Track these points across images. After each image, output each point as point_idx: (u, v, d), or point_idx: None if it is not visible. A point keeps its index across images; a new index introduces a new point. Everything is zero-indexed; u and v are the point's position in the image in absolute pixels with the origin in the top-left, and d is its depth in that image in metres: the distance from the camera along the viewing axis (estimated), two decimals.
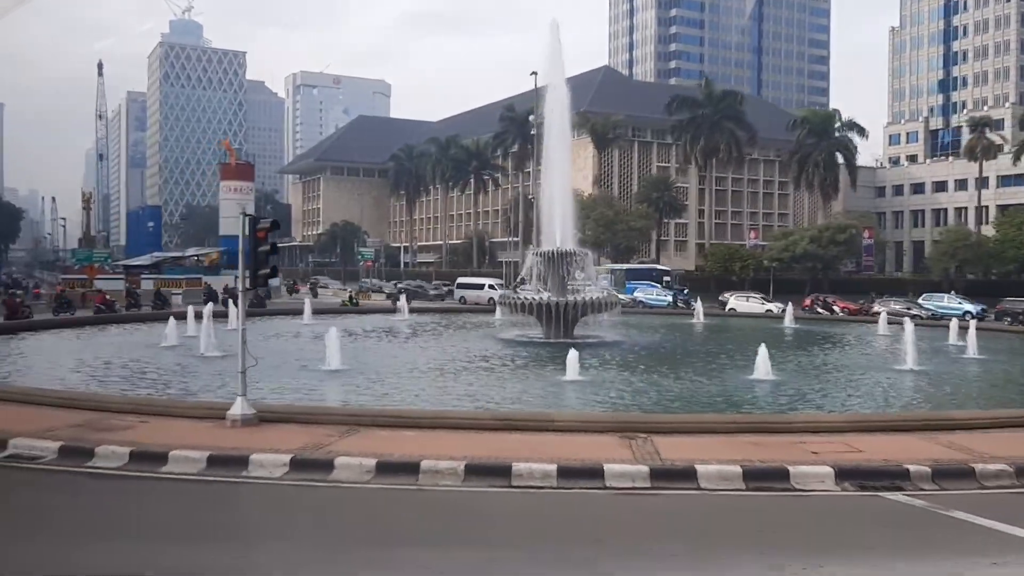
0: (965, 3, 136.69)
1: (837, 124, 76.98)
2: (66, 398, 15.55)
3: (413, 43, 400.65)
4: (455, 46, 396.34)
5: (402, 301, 45.48)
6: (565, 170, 36.22)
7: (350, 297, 53.42)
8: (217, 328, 33.19)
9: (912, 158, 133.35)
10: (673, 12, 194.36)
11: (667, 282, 62.92)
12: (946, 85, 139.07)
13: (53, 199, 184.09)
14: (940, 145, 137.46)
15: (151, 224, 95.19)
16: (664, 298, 56.82)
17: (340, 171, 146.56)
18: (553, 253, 34.77)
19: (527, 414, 15.54)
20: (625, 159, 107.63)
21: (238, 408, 14.21)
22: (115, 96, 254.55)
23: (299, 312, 43.16)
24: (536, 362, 26.23)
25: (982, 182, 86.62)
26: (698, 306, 46.32)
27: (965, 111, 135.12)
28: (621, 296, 56.61)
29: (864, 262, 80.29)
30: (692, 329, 41.43)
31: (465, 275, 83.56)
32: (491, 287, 52.55)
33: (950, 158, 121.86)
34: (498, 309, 36.95)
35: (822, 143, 76.05)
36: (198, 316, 31.42)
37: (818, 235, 69.67)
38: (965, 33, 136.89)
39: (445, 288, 63.41)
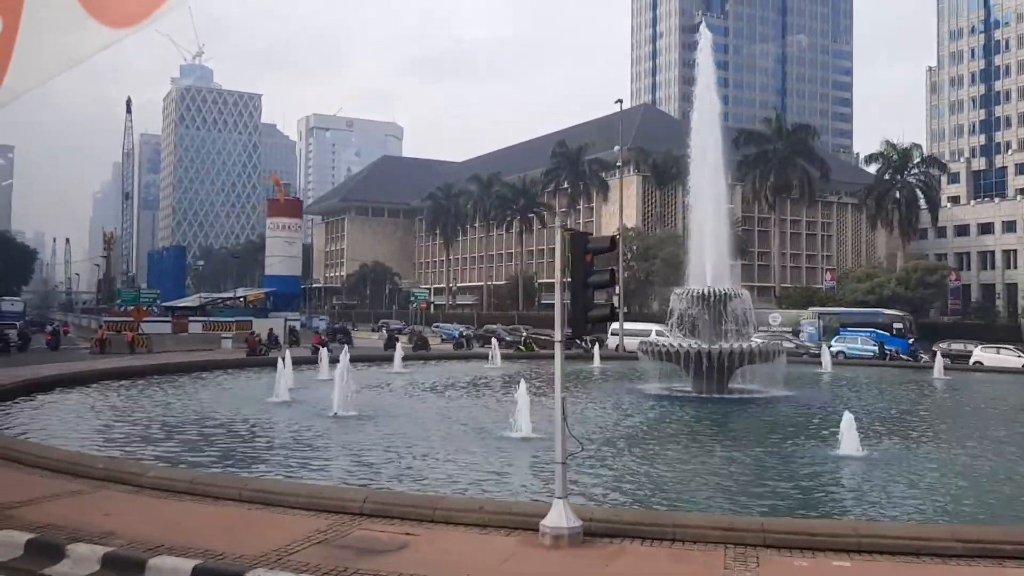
0: (1007, 42, 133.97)
1: (916, 160, 72.93)
2: (283, 495, 10.76)
3: (416, 88, 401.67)
4: (461, 90, 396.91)
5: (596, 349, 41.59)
6: (719, 200, 31.69)
7: (525, 341, 49.99)
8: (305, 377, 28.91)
9: (954, 199, 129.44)
10: (697, 39, 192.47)
11: (899, 330, 55.10)
12: (988, 125, 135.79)
13: (67, 240, 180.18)
14: (984, 186, 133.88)
15: (183, 264, 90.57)
16: (870, 348, 49.33)
17: (365, 211, 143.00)
18: (704, 293, 30.18)
19: None
20: (675, 197, 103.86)
21: (559, 518, 9.47)
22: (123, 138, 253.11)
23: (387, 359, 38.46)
24: (693, 426, 21.69)
25: None
26: (938, 361, 38.63)
27: (1010, 151, 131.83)
28: (834, 347, 49.25)
29: (951, 305, 75.65)
30: (903, 387, 34.41)
31: (503, 319, 79.00)
32: (658, 334, 45.77)
33: (996, 199, 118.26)
34: (641, 357, 32.35)
35: (901, 179, 71.90)
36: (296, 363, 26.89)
37: (906, 276, 65.15)
38: (1008, 72, 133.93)
39: (523, 332, 57.68)
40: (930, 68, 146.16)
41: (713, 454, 17.05)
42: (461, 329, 61.83)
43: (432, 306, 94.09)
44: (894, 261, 79.94)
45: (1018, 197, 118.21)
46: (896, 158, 71.85)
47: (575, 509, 9.79)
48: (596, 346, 43.82)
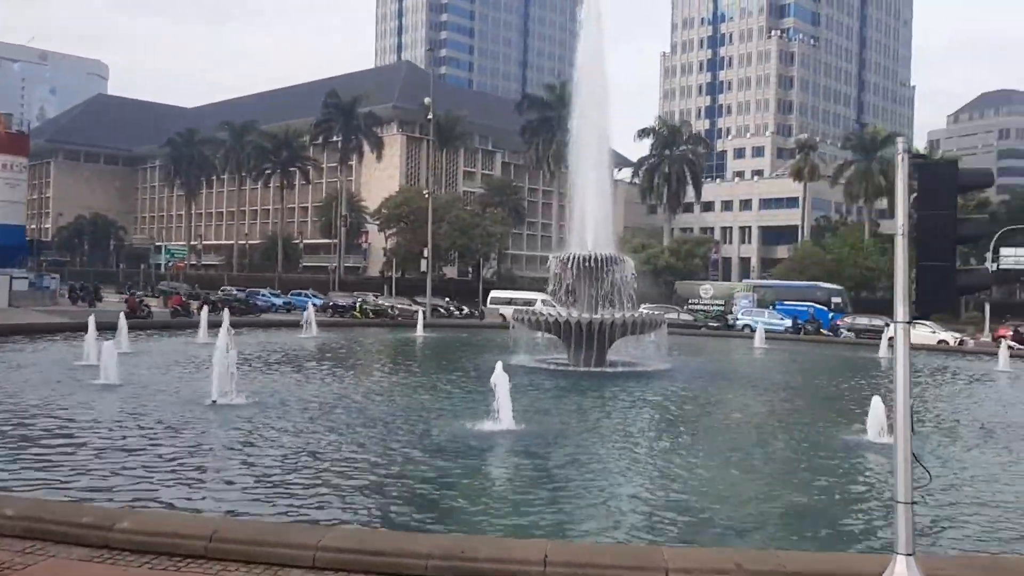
0: (731, 36, 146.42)
1: (685, 136, 76.28)
2: None
3: (127, 25, 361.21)
4: (177, 33, 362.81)
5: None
6: (602, 163, 29.22)
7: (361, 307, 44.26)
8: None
9: None
10: (444, 16, 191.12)
11: (837, 304, 54.56)
12: (712, 112, 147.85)
13: None
14: (707, 168, 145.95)
15: None
16: (779, 322, 48.12)
17: (76, 156, 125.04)
18: (582, 258, 27.74)
19: None
20: (442, 158, 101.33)
21: None
22: None
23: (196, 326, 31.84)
24: (559, 396, 19.83)
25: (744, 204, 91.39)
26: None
27: (729, 136, 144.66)
28: (778, 322, 48.56)
29: (711, 276, 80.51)
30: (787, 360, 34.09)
31: (258, 281, 72.27)
32: (544, 303, 41.28)
33: (717, 180, 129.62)
34: (515, 327, 29.20)
35: (670, 154, 74.82)
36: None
37: (677, 248, 67.87)
38: (731, 64, 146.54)
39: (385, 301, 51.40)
40: (664, 54, 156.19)
41: None
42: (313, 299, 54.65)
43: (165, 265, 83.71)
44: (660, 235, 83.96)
45: (735, 179, 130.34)
46: (667, 134, 74.77)
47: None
48: (420, 314, 40.19)
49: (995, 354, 33.41)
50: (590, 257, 27.74)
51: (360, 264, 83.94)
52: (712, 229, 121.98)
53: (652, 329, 27.62)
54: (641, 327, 27.30)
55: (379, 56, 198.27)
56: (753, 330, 42.43)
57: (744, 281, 60.28)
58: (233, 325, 26.63)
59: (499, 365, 14.96)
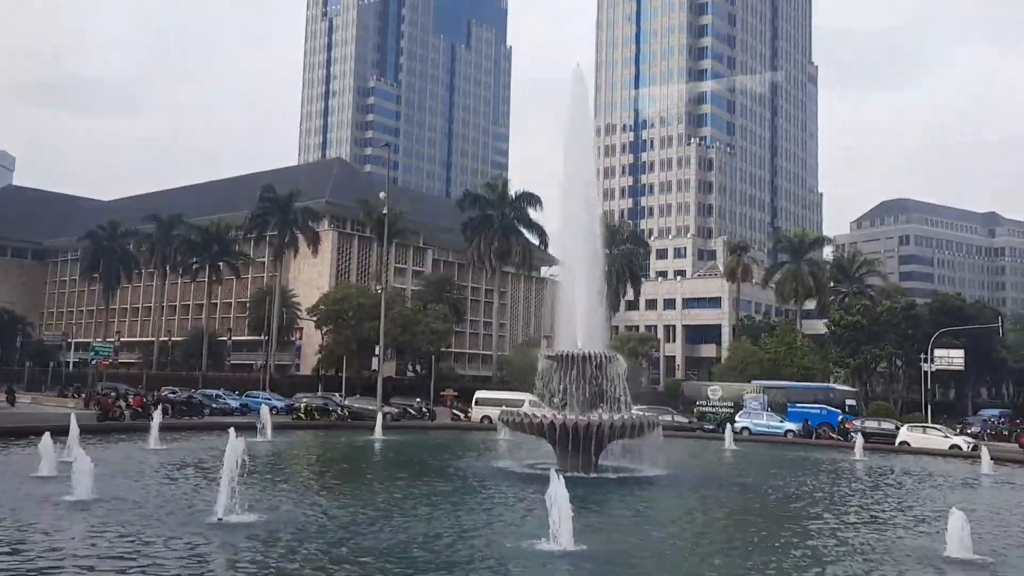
0: (652, 142, 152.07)
1: (624, 235, 77.30)
2: None
3: (33, 118, 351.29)
4: (86, 126, 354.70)
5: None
6: (595, 257, 28.58)
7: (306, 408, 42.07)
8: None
9: None
10: (370, 116, 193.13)
11: (851, 407, 52.98)
12: (635, 213, 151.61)
13: None
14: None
15: None
16: (780, 426, 46.49)
17: None
18: (572, 356, 26.70)
19: None
20: (367, 255, 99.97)
21: None
22: None
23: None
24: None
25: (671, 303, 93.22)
26: (858, 441, 36.78)
27: (652, 237, 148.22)
28: (788, 425, 47.15)
29: (651, 375, 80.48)
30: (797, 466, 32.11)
31: (181, 380, 68.69)
32: (532, 404, 38.88)
33: (642, 279, 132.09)
34: (500, 428, 27.57)
35: (610, 253, 75.39)
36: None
37: (621, 346, 67.62)
38: (652, 168, 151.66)
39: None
40: None
41: None
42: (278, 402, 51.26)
43: (83, 364, 78.72)
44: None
45: (658, 279, 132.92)
46: (607, 233, 75.46)
47: None
48: (381, 416, 38.13)
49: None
50: (580, 355, 26.74)
51: (292, 362, 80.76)
52: (637, 327, 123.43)
53: (647, 432, 26.48)
54: (635, 430, 26.17)
55: (303, 152, 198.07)
56: (752, 433, 41.28)
57: (754, 382, 58.70)
58: (179, 428, 24.58)
59: (555, 476, 13.58)
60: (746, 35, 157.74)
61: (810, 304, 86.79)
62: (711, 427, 48.70)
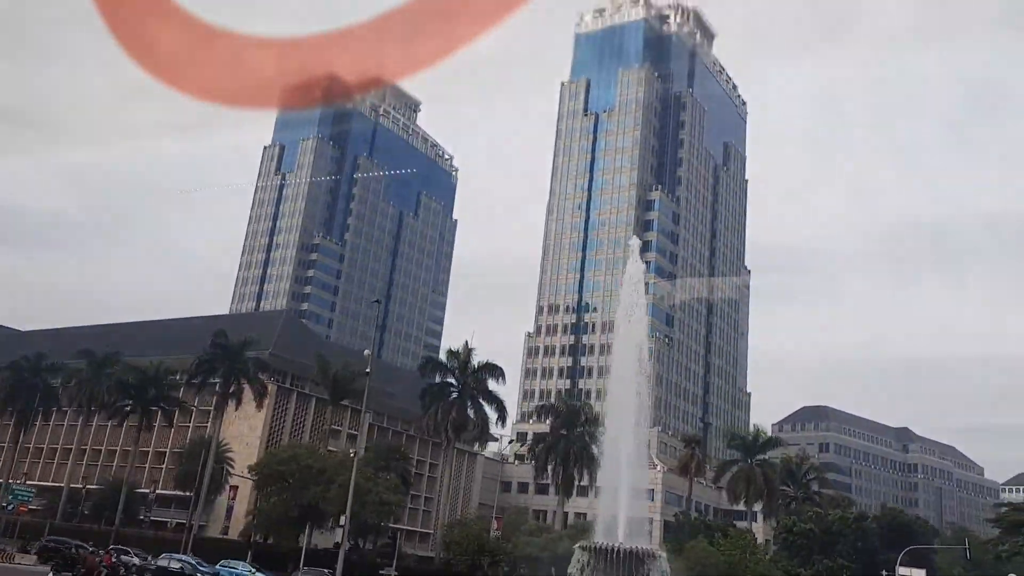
0: (593, 325, 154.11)
1: (583, 418, 75.69)
2: None
3: None
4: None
5: None
6: (641, 437, 26.97)
7: None
8: None
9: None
10: (311, 272, 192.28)
11: None
12: (572, 395, 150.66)
13: None
14: (528, 449, 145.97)
15: None
16: None
17: None
18: (610, 550, 24.54)
19: None
20: (304, 413, 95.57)
21: None
22: None
23: None
24: None
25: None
26: None
27: None
28: None
29: None
30: None
31: (90, 533, 61.85)
32: None
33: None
34: None
35: (568, 435, 73.65)
36: None
37: (576, 533, 64.42)
38: (592, 351, 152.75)
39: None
40: (528, 334, 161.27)
41: None
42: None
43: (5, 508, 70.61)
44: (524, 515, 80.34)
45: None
46: (566, 413, 74.17)
47: None
48: None
49: None
50: (619, 549, 24.59)
51: (221, 524, 74.28)
52: (567, 514, 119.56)
53: None
54: None
55: (236, 301, 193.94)
56: None
57: None
58: None
59: None
60: (688, 234, 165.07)
61: (756, 506, 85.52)
62: None
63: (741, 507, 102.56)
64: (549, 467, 74.91)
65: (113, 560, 34.35)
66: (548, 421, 75.86)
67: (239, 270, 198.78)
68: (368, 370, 48.14)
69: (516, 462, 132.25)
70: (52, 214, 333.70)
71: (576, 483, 74.75)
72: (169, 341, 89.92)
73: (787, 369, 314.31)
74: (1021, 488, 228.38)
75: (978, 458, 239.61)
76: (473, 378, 71.21)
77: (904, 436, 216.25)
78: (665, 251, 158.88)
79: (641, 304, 28.16)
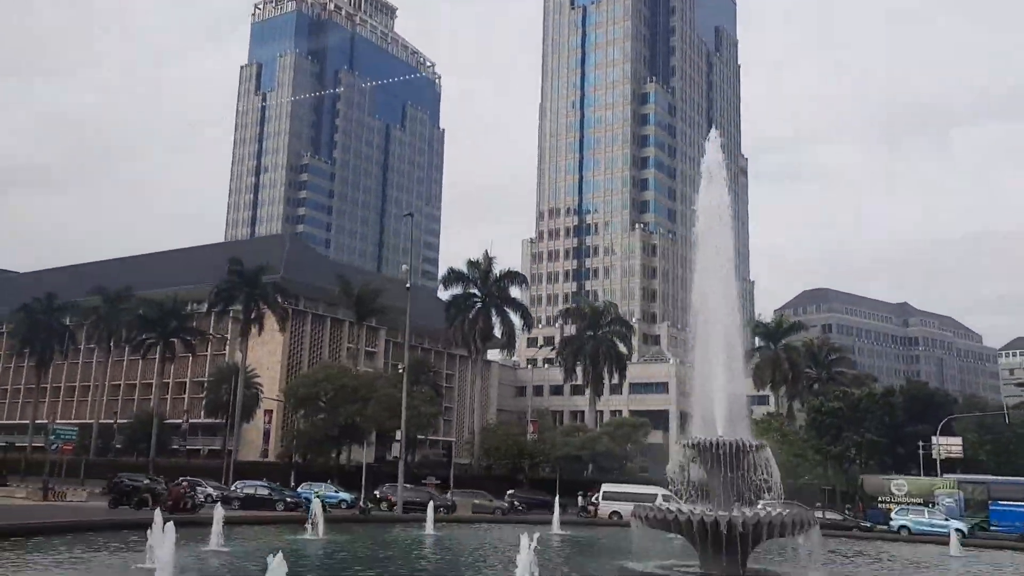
0: (596, 226, 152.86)
1: (609, 319, 75.42)
2: None
3: None
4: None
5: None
6: (734, 334, 26.10)
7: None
8: None
9: (549, 361, 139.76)
10: (303, 193, 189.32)
11: None
12: (580, 297, 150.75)
13: None
14: (557, 352, 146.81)
15: None
16: (945, 524, 41.35)
17: None
18: (717, 445, 23.98)
19: None
20: (321, 334, 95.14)
21: None
22: None
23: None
24: None
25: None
26: None
27: None
28: (955, 524, 40.87)
29: (642, 461, 77.40)
30: None
31: (125, 466, 62.31)
32: (664, 498, 33.71)
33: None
34: (633, 524, 24.45)
35: (594, 335, 73.47)
36: None
37: (613, 432, 65.07)
38: (596, 252, 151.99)
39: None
40: (530, 240, 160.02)
41: None
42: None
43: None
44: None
45: None
46: (590, 314, 73.87)
47: None
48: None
49: None
50: (725, 443, 24.05)
51: (253, 448, 74.59)
52: (581, 413, 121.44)
53: (802, 530, 23.72)
54: (790, 528, 23.43)
55: (231, 228, 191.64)
56: (912, 532, 36.91)
57: (946, 476, 53.28)
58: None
59: None
60: (685, 126, 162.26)
61: (780, 391, 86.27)
62: (867, 525, 45.05)
63: (756, 392, 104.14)
64: (578, 368, 74.93)
65: (183, 492, 34.10)
66: (572, 325, 75.46)
67: (229, 196, 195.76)
68: (408, 285, 46.83)
69: (545, 366, 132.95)
70: (26, 158, 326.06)
71: (607, 382, 75.03)
72: (176, 273, 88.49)
73: (787, 257, 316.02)
74: (1018, 352, 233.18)
75: (976, 327, 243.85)
76: (496, 287, 70.46)
77: (904, 311, 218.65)
78: (664, 145, 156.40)
79: (724, 200, 26.83)
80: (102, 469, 67.65)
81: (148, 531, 20.06)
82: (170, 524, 19.24)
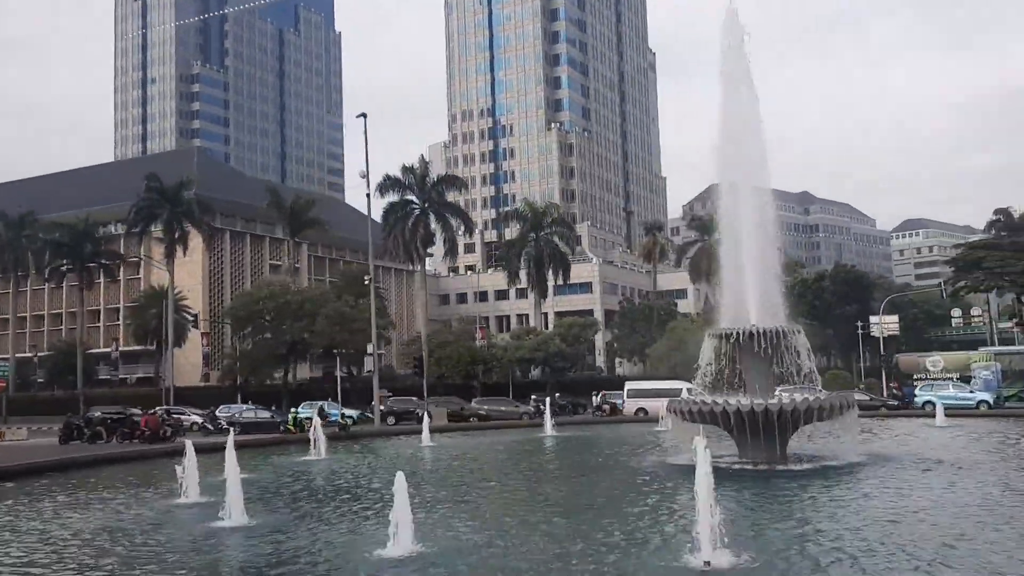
0: (511, 128, 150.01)
1: (549, 220, 74.12)
2: None
3: None
4: None
5: None
6: (765, 223, 25.28)
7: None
8: None
9: (471, 267, 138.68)
10: (196, 105, 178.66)
11: None
12: (497, 201, 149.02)
13: None
14: (496, 256, 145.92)
15: None
16: (970, 397, 43.05)
17: None
18: (752, 334, 23.45)
19: None
20: (241, 252, 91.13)
21: None
22: None
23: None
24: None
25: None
26: None
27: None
28: (981, 396, 42.28)
29: (588, 359, 77.92)
30: None
31: (52, 401, 58.95)
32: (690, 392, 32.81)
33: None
34: (668, 419, 23.78)
35: (537, 236, 72.34)
36: None
37: (565, 332, 64.90)
38: (513, 155, 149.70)
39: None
40: (445, 143, 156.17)
41: None
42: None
43: None
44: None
45: None
46: (531, 216, 72.49)
47: None
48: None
49: None
50: (760, 331, 23.53)
51: (187, 374, 71.20)
52: (508, 317, 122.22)
53: (840, 414, 23.62)
54: (832, 412, 23.31)
55: (120, 145, 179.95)
56: (936, 407, 37.63)
57: (982, 350, 52.54)
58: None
59: None
60: (595, 20, 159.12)
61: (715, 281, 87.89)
62: (894, 403, 45.77)
63: (670, 287, 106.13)
64: (522, 272, 73.98)
65: (161, 420, 31.93)
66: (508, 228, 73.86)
67: (115, 111, 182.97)
68: (368, 192, 44.03)
69: (468, 273, 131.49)
70: None
71: (552, 283, 74.51)
72: (78, 194, 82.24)
73: (695, 151, 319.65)
74: (907, 233, 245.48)
75: (869, 211, 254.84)
76: (434, 192, 68.05)
77: (805, 200, 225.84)
78: (575, 41, 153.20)
79: (747, 79, 25.56)
80: (22, 405, 63.68)
81: (177, 465, 18.31)
82: (191, 453, 17.71)
